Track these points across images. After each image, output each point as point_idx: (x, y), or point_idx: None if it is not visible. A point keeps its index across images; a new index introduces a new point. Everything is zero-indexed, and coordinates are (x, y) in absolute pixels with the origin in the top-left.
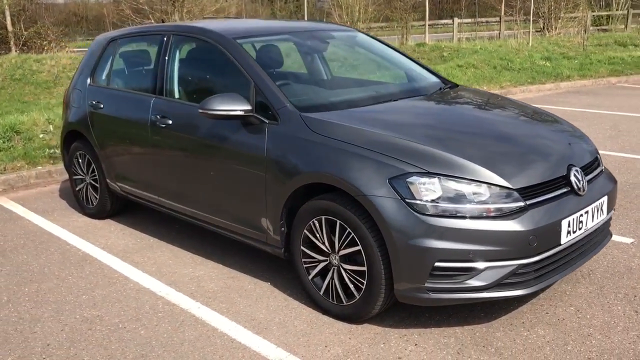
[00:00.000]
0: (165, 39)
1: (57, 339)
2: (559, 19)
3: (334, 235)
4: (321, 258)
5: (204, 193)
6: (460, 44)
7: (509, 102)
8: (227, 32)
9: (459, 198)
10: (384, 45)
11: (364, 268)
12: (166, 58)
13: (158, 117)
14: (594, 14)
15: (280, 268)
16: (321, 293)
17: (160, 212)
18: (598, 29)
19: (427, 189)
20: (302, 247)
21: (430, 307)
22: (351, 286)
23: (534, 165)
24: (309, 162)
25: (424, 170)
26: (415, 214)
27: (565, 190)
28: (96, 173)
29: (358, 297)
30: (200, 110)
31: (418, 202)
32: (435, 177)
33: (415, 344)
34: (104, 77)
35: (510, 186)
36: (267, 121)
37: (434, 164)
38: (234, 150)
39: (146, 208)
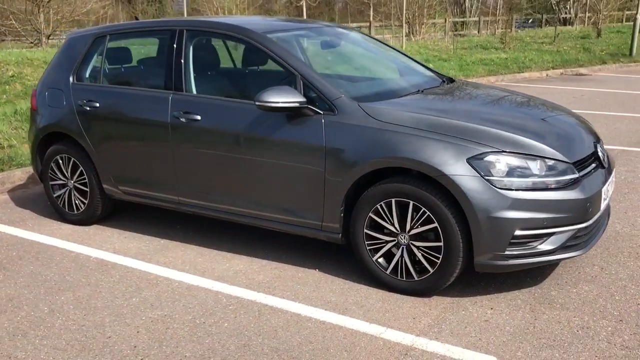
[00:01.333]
0: (177, 34)
1: (140, 340)
2: (423, 24)
3: (406, 216)
4: (388, 239)
5: (243, 187)
6: None
7: (514, 92)
8: (255, 27)
9: (529, 172)
10: (381, 43)
11: (440, 244)
12: (182, 54)
13: (181, 112)
14: (451, 20)
15: (320, 255)
16: (388, 272)
17: (154, 213)
18: (455, 34)
19: (502, 166)
20: (365, 230)
21: (481, 277)
22: (424, 262)
23: (575, 143)
24: (378, 149)
25: (498, 150)
26: (495, 189)
27: (596, 164)
28: (85, 176)
29: (432, 271)
30: (258, 103)
31: (496, 178)
32: (508, 155)
33: (491, 308)
34: (93, 75)
35: (568, 160)
36: (322, 112)
37: (504, 143)
38: (284, 142)
39: (134, 210)
